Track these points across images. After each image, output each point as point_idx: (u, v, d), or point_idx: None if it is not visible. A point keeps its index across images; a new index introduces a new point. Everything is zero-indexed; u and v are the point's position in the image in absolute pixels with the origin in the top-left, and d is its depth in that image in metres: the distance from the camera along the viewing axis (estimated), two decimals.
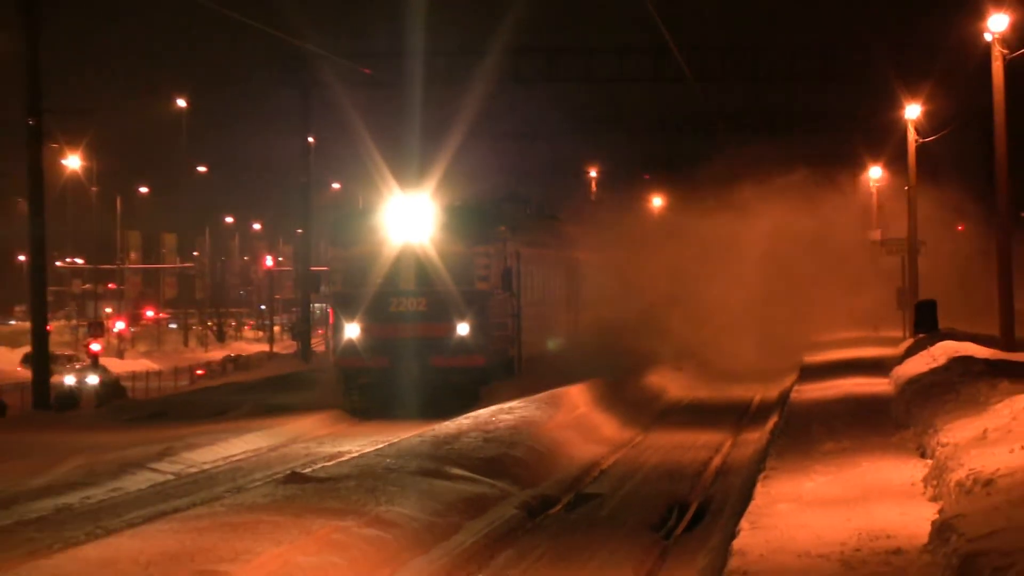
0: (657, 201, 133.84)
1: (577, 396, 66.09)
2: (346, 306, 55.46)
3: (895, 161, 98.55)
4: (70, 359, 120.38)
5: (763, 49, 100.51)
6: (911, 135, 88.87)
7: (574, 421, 59.00)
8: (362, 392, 54.64)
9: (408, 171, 60.99)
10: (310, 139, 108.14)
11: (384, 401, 53.69)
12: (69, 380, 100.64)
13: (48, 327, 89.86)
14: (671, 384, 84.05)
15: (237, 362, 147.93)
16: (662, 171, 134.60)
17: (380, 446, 47.41)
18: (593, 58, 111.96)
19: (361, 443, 53.44)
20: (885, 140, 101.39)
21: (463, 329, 52.67)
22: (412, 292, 54.03)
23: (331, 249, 57.37)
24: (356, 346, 54.30)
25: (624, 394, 72.73)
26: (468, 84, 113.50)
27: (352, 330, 54.00)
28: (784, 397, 58.69)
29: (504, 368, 59.17)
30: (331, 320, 62.12)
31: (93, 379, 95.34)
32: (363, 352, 53.83)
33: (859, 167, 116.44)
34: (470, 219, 56.40)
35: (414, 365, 52.91)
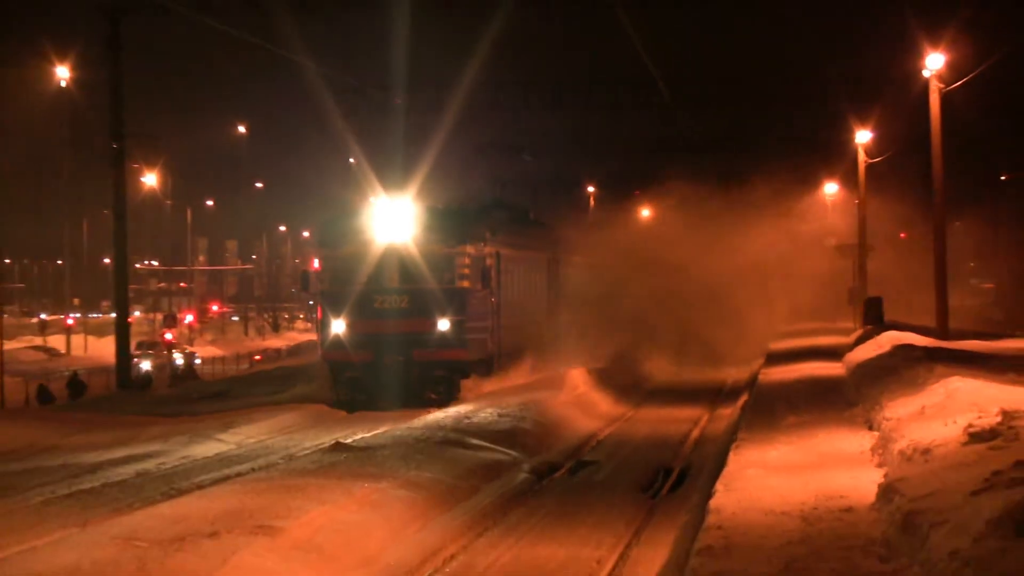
0: (645, 212, 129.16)
1: (577, 377, 66.42)
2: (333, 303, 53.06)
3: (850, 177, 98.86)
4: (151, 345, 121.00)
5: (736, 81, 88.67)
6: (861, 156, 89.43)
7: (575, 399, 59.74)
8: (348, 385, 52.43)
9: (397, 179, 58.65)
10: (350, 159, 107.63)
11: (370, 394, 51.54)
12: (145, 364, 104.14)
13: (129, 319, 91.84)
14: (656, 370, 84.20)
15: (289, 350, 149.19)
16: (648, 184, 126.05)
17: (412, 421, 46.56)
18: (588, 87, 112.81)
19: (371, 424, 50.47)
20: (840, 160, 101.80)
21: (443, 325, 50.48)
22: (395, 290, 51.68)
23: (319, 249, 54.72)
24: (342, 341, 52.07)
25: (616, 378, 72.90)
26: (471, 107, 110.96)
27: (338, 326, 51.80)
28: (753, 379, 58.93)
29: (484, 362, 56.41)
30: (319, 316, 58.43)
31: (179, 359, 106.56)
32: (349, 347, 51.60)
33: (819, 183, 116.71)
34: (451, 221, 54.21)
35: (397, 359, 50.60)
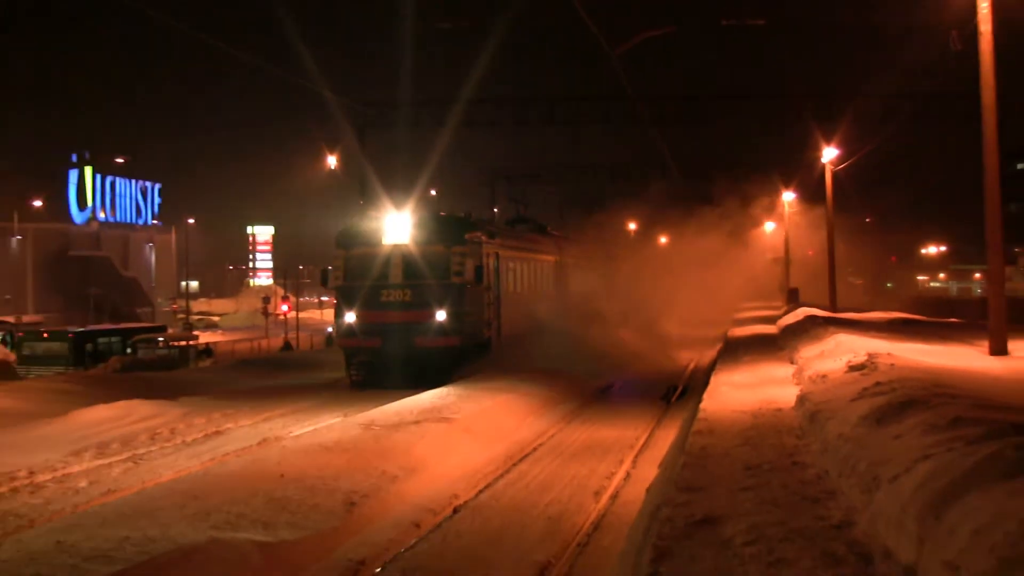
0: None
1: (629, 336, 66.88)
2: (346, 297, 45.24)
3: (779, 218, 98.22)
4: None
5: (708, 104, 79.94)
6: (787, 210, 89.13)
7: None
8: (359, 368, 44.70)
9: (407, 195, 49.71)
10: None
11: (378, 375, 44.04)
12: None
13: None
14: (669, 329, 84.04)
15: None
16: (636, 201, 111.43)
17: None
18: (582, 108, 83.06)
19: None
20: (773, 207, 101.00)
21: (440, 316, 43.07)
22: (399, 285, 44.19)
23: (337, 250, 46.36)
24: (354, 329, 44.69)
25: (645, 332, 73.07)
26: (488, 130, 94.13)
27: (350, 316, 44.48)
28: (724, 335, 59.27)
29: (479, 348, 46.97)
30: (335, 308, 49.32)
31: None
32: (359, 334, 44.29)
33: (762, 220, 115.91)
34: (447, 226, 46.33)
35: (401, 346, 43.37)
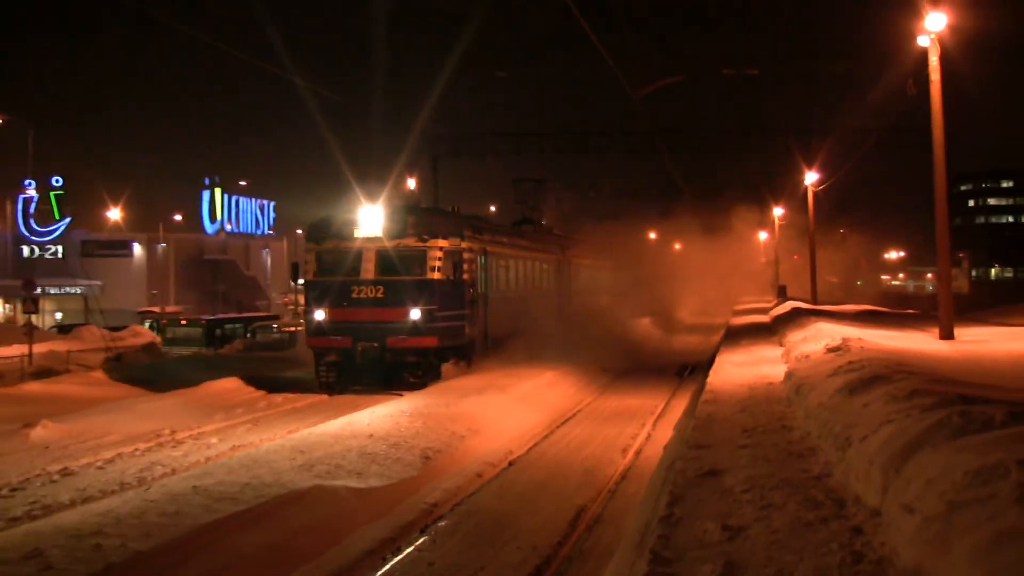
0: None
1: (648, 324, 66.76)
2: (316, 293, 36.71)
3: (771, 227, 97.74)
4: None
5: (712, 136, 77.93)
6: (776, 223, 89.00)
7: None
8: (328, 368, 36.40)
9: (378, 184, 39.65)
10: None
11: (349, 377, 36.33)
12: None
13: None
14: (682, 317, 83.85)
15: None
16: (649, 212, 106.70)
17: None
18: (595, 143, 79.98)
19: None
20: (766, 216, 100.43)
21: (414, 314, 35.12)
22: (371, 281, 35.90)
23: (307, 243, 38.28)
24: (323, 327, 36.08)
25: (664, 321, 72.97)
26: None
27: (319, 314, 36.02)
28: (726, 324, 59.05)
29: (461, 348, 38.42)
30: (304, 305, 40.48)
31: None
32: (328, 333, 35.81)
33: (757, 227, 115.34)
34: (426, 219, 37.49)
35: (372, 346, 35.24)
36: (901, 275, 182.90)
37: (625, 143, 69.42)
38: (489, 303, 40.29)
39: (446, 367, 36.09)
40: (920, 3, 28.46)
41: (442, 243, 36.27)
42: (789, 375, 21.64)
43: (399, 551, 14.00)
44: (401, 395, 30.93)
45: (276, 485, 16.54)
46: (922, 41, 29.13)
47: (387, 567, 13.35)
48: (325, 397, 34.63)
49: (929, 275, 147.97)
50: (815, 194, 64.71)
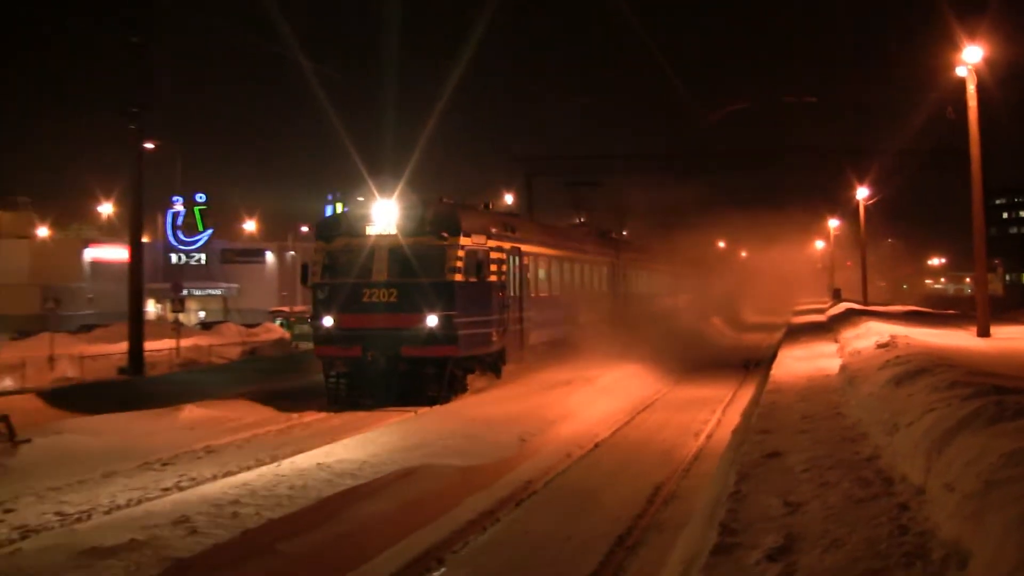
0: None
1: (717, 323, 66.22)
2: (323, 296, 29.86)
3: (827, 238, 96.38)
4: None
5: (770, 149, 73.39)
6: (831, 235, 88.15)
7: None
8: (336, 381, 29.40)
9: (393, 175, 31.85)
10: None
11: (359, 389, 29.16)
12: None
13: None
14: (748, 316, 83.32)
15: None
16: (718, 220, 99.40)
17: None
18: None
19: None
20: (821, 230, 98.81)
21: (431, 320, 28.27)
22: (384, 283, 29.14)
23: (317, 243, 31.53)
24: (331, 335, 29.21)
25: (730, 318, 72.43)
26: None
27: (328, 320, 29.23)
28: (787, 323, 58.56)
29: (489, 357, 31.41)
30: (311, 309, 33.13)
31: None
32: (337, 341, 29.04)
33: (813, 239, 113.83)
34: (446, 214, 30.34)
35: (385, 355, 28.43)
36: (942, 279, 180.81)
37: (699, 162, 68.69)
38: (525, 307, 33.48)
39: (473, 379, 29.82)
40: (958, 38, 28.59)
41: (464, 241, 29.14)
42: (843, 368, 21.45)
43: (498, 521, 14.07)
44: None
45: (390, 463, 16.78)
46: (960, 72, 29.26)
47: (488, 534, 13.41)
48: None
49: (967, 279, 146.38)
50: (866, 207, 64.24)
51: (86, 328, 59.26)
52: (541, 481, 16.85)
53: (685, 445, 21.18)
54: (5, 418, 21.91)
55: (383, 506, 14.56)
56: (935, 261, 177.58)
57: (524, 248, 33.76)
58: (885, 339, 23.50)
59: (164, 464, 19.23)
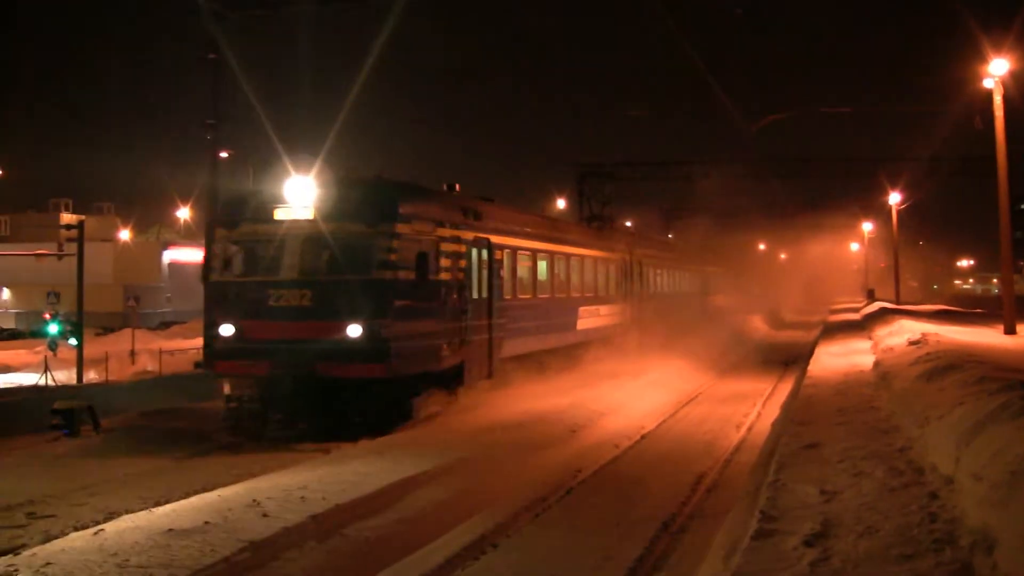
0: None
1: (757, 321, 65.84)
2: (220, 298, 21.65)
3: (862, 240, 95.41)
4: None
5: (808, 156, 70.67)
6: (866, 237, 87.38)
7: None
8: (233, 411, 21.44)
9: (312, 148, 22.66)
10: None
11: (265, 418, 21.66)
12: None
13: None
14: (785, 314, 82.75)
15: None
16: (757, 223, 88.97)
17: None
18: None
19: None
20: (854, 233, 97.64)
21: (354, 330, 19.91)
22: (295, 282, 20.73)
23: (215, 231, 22.40)
24: (232, 347, 20.86)
25: (777, 320, 72.01)
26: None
27: (226, 328, 20.94)
28: (823, 321, 58.16)
29: (442, 375, 22.65)
30: (204, 315, 24.08)
31: None
32: (237, 356, 20.71)
33: (848, 241, 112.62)
34: (376, 195, 21.78)
35: (298, 375, 20.21)
36: (971, 280, 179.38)
37: (740, 169, 68.05)
38: (497, 312, 25.43)
39: (423, 402, 22.06)
40: (985, 51, 28.60)
41: (402, 228, 20.91)
42: (877, 364, 21.37)
43: (549, 507, 14.11)
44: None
45: (447, 453, 16.80)
46: (987, 83, 29.24)
47: (539, 519, 13.47)
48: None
49: (995, 280, 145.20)
50: (898, 212, 63.75)
51: (164, 325, 60.48)
52: (590, 470, 16.87)
53: (727, 436, 21.14)
54: (90, 408, 22.34)
55: (438, 494, 14.55)
56: (964, 263, 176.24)
57: (495, 240, 25.54)
58: (917, 337, 23.39)
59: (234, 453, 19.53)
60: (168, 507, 12.83)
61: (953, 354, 17.15)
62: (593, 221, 46.62)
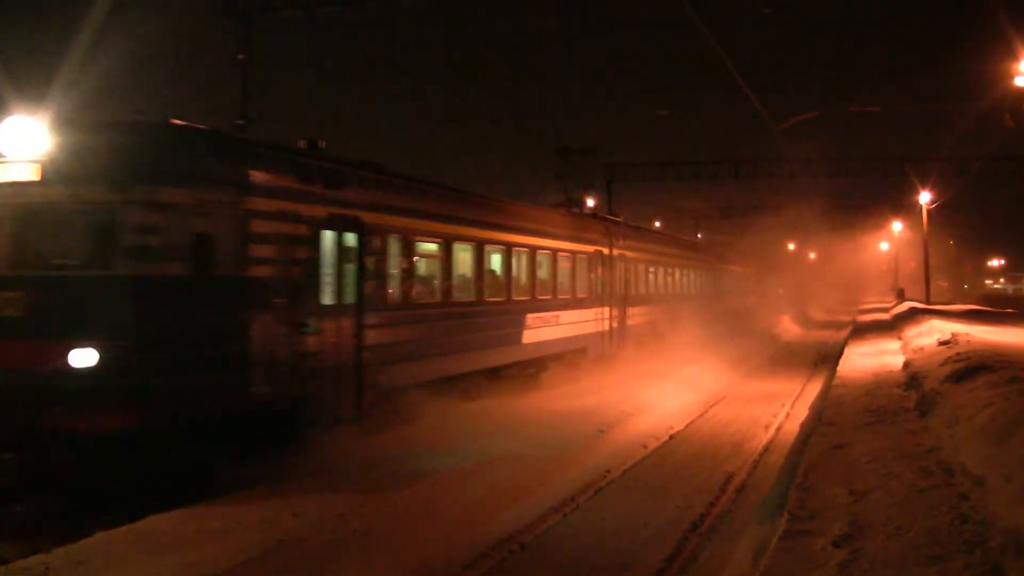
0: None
1: (786, 321, 65.47)
2: None
3: (891, 241, 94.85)
4: None
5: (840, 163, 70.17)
6: (895, 238, 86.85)
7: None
8: None
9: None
10: None
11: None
12: None
13: None
14: (814, 313, 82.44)
15: None
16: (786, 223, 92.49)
17: None
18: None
19: None
20: (883, 235, 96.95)
21: (84, 355, 10.50)
22: (2, 280, 11.16)
23: None
24: None
25: (798, 316, 71.69)
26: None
27: None
28: (852, 321, 57.90)
29: (261, 420, 13.35)
30: None
31: None
32: None
33: (877, 245, 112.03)
34: (134, 144, 11.73)
35: (11, 425, 10.51)
36: (1001, 280, 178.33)
37: (768, 169, 67.58)
38: (374, 325, 17.17)
39: (220, 462, 13.53)
40: (1016, 48, 28.34)
41: (172, 194, 12.82)
42: (907, 364, 21.28)
43: (578, 507, 14.09)
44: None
45: (483, 452, 16.84)
46: (1018, 81, 29.00)
47: (568, 518, 13.45)
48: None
49: None
50: (929, 211, 63.45)
51: None
52: (619, 470, 16.75)
53: (755, 436, 21.03)
54: None
55: (473, 492, 14.53)
56: (995, 262, 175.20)
57: (370, 219, 17.27)
58: (947, 337, 23.28)
59: None
60: None
61: (984, 354, 17.05)
62: (561, 206, 34.17)
